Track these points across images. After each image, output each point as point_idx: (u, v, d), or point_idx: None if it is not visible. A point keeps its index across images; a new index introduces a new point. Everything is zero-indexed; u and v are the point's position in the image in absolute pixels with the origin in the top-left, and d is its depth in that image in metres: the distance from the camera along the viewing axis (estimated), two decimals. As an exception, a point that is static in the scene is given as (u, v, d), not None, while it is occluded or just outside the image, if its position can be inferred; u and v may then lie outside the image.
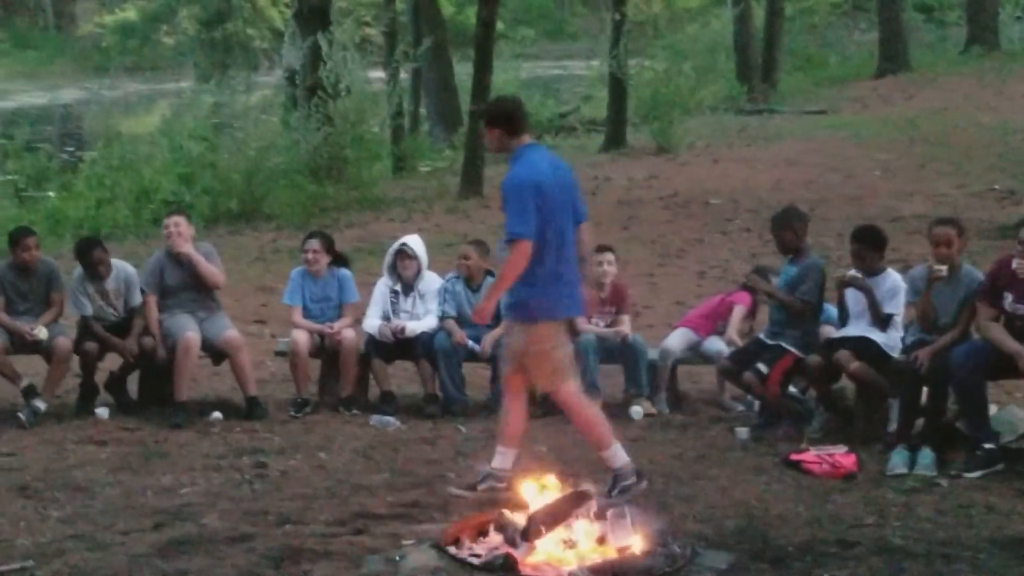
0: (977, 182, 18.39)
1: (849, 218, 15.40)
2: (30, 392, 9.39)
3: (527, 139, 7.32)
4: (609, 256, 9.73)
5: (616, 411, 9.25)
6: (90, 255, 9.76)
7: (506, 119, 7.30)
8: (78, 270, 9.78)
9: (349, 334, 9.70)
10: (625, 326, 9.69)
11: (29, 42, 62.98)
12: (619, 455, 7.16)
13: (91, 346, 9.56)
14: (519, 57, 40.08)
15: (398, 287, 9.84)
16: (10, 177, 21.69)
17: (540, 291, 7.06)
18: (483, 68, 21.26)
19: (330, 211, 19.19)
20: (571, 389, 7.35)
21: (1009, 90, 26.73)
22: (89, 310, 9.61)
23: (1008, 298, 7.86)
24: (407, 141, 25.89)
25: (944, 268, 8.07)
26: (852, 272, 8.65)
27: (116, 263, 9.89)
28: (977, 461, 7.68)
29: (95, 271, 9.69)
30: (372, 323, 9.79)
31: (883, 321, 8.46)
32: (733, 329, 9.69)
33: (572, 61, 43.29)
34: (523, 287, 7.04)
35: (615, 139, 26.57)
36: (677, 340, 9.64)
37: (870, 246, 8.63)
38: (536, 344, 7.13)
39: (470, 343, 9.55)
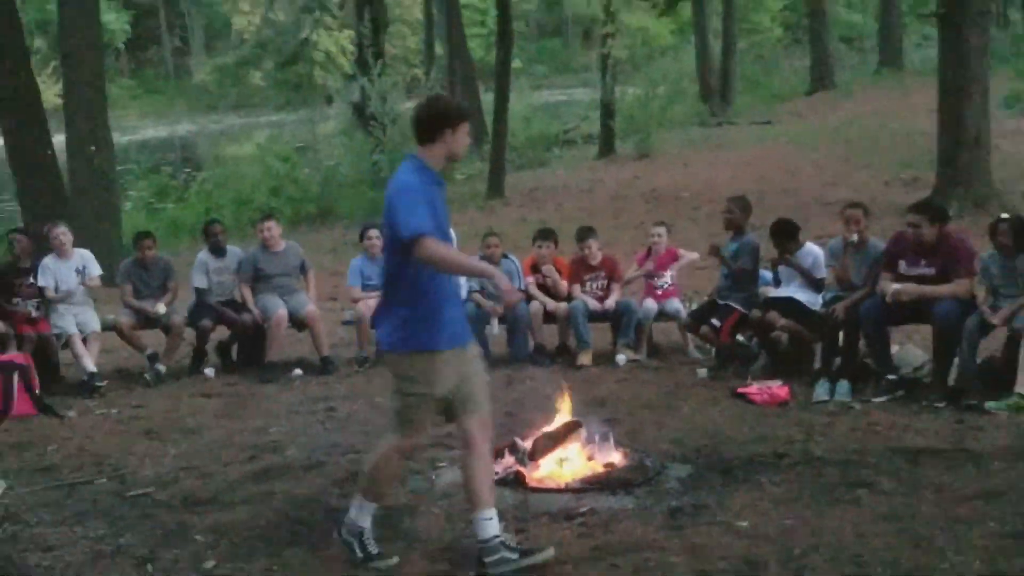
0: (887, 173, 18.24)
1: (789, 205, 15.30)
2: (153, 358, 9.54)
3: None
4: (591, 239, 9.70)
5: (604, 359, 9.30)
6: (211, 228, 9.99)
7: None
8: (201, 254, 9.90)
9: None
10: (614, 294, 9.60)
11: (154, 88, 63.59)
12: None
13: (207, 323, 9.67)
14: (533, 88, 40.18)
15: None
16: (140, 193, 21.88)
17: None
18: (501, 97, 21.22)
19: (386, 212, 19.24)
20: None
21: (911, 101, 26.44)
22: (205, 284, 9.71)
23: (902, 264, 7.89)
24: (446, 156, 25.87)
25: (855, 235, 8.12)
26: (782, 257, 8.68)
27: (232, 248, 10.00)
28: (882, 389, 7.77)
29: (216, 243, 9.80)
30: None
31: (817, 284, 8.47)
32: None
33: (575, 90, 43.24)
34: None
35: (606, 149, 26.55)
36: (651, 303, 9.59)
37: (785, 237, 8.66)
38: None
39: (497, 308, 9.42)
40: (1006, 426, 6.92)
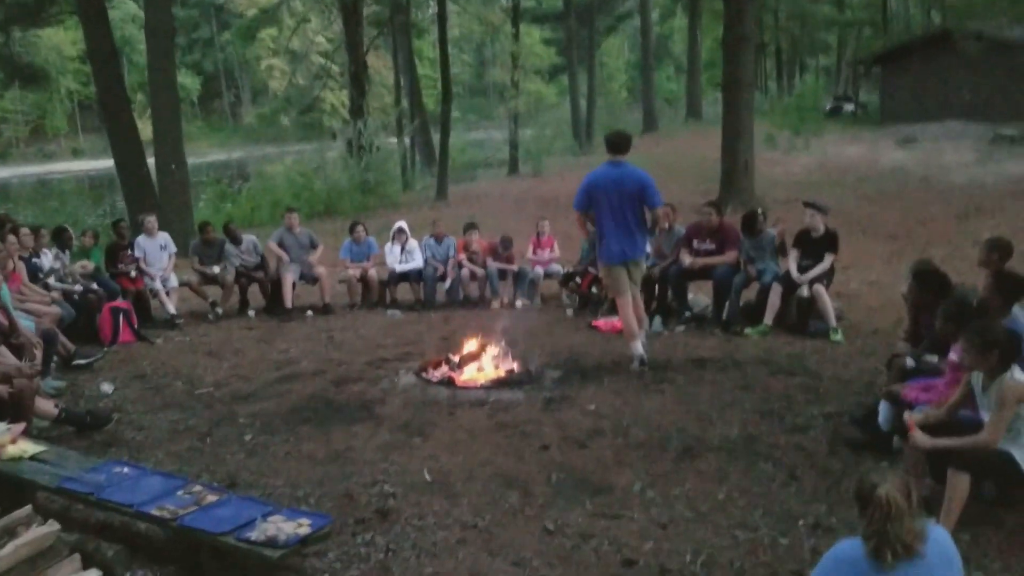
0: (690, 186, 18.33)
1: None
2: (213, 304, 9.24)
3: (612, 158, 6.34)
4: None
5: (508, 304, 9.24)
6: (227, 227, 9.65)
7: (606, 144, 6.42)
8: (227, 245, 9.46)
9: (373, 272, 9.48)
10: (515, 263, 9.55)
11: (217, 127, 61.95)
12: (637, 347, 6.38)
13: (244, 281, 9.41)
14: (466, 129, 39.73)
15: (397, 247, 9.63)
16: (208, 196, 21.22)
17: (601, 243, 6.39)
18: (445, 135, 20.97)
19: (370, 209, 18.89)
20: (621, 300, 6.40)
21: (705, 141, 26.40)
22: (236, 263, 9.38)
23: (695, 242, 7.97)
24: (409, 173, 25.44)
25: (667, 224, 8.16)
26: None
27: (247, 236, 9.66)
28: (681, 321, 7.83)
29: (233, 236, 9.47)
30: (392, 263, 9.53)
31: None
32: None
33: (493, 131, 42.84)
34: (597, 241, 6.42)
35: (513, 169, 26.45)
36: (539, 268, 9.48)
37: None
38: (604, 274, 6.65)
39: (442, 269, 9.34)
40: (757, 344, 7.07)
